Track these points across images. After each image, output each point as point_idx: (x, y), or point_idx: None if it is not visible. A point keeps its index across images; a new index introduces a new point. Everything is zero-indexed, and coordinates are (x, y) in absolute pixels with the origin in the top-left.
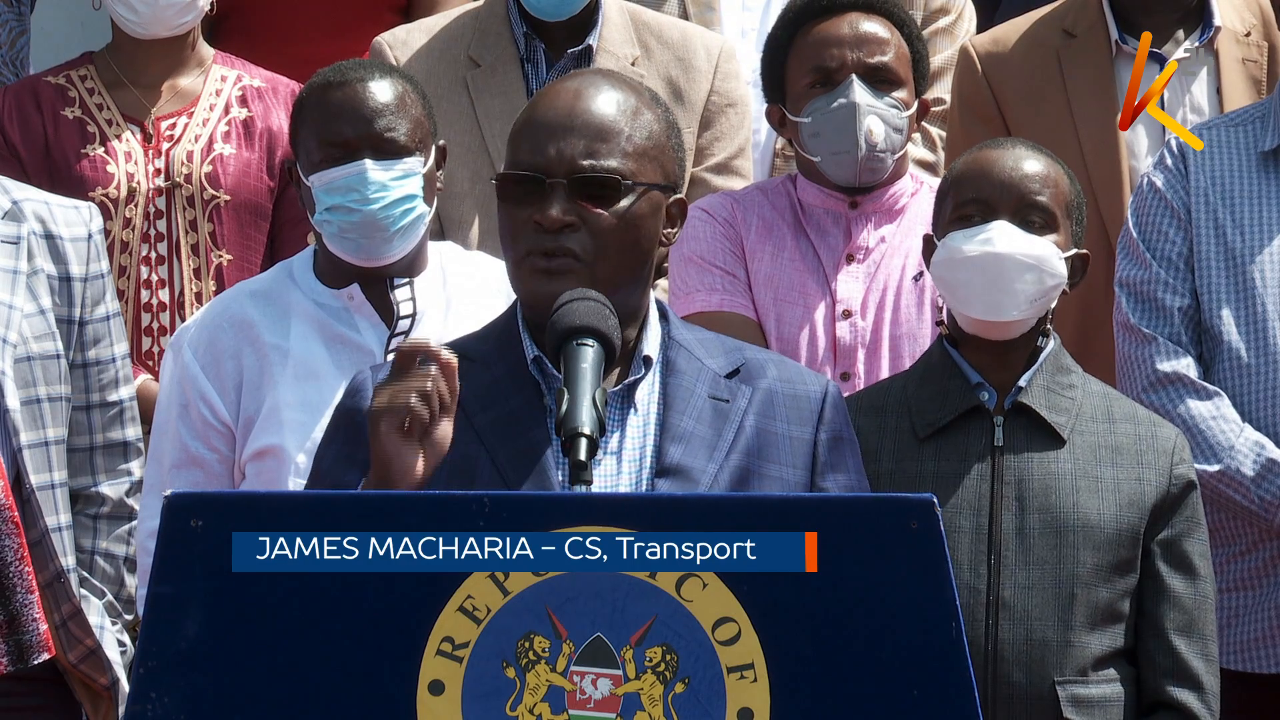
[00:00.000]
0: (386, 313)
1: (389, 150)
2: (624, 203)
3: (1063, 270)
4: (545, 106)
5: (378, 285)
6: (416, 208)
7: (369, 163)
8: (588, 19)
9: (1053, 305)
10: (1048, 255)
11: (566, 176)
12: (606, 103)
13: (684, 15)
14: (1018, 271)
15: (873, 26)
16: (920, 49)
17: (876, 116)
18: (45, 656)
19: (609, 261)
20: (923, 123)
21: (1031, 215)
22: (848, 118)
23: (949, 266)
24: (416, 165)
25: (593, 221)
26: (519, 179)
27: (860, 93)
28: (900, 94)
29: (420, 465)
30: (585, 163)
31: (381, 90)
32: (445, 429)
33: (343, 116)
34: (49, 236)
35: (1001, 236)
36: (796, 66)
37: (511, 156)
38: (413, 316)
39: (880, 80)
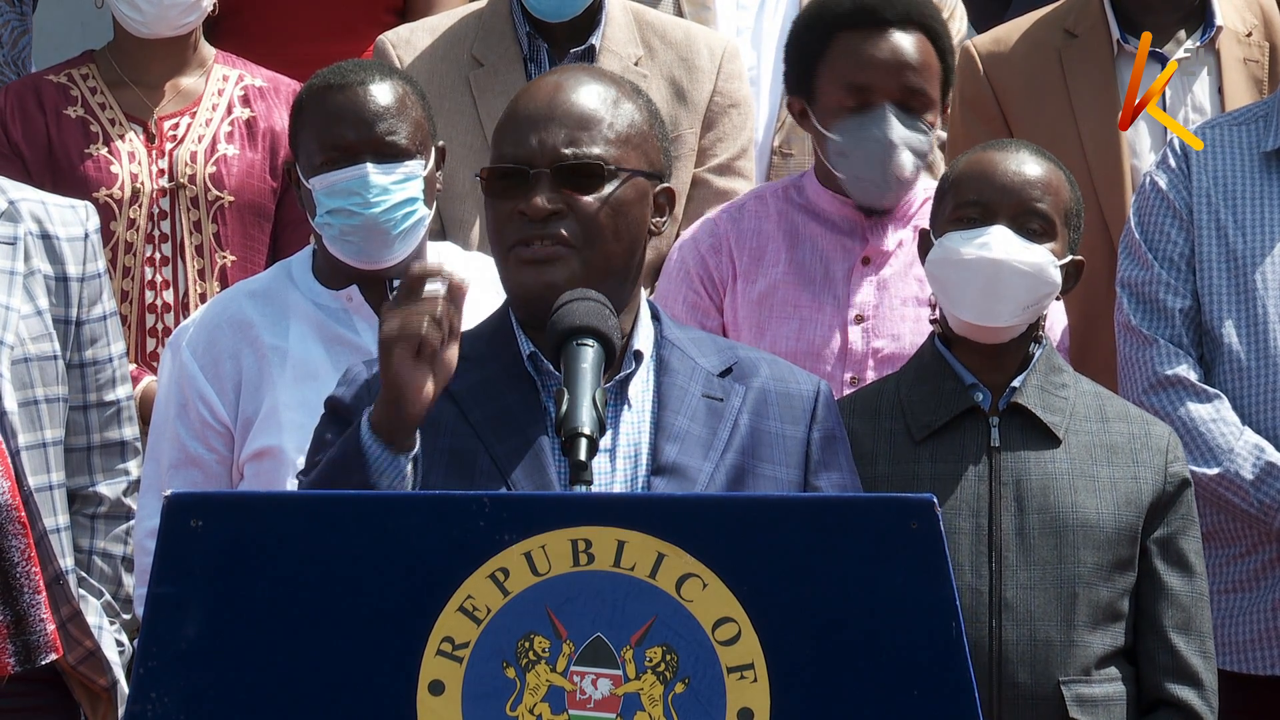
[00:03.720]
0: None
1: (390, 154)
2: (609, 188)
3: (1057, 278)
4: (525, 101)
5: (377, 286)
6: (418, 210)
7: (370, 166)
8: (591, 19)
9: (1045, 311)
10: (1043, 263)
11: (550, 166)
12: (586, 94)
13: (678, 14)
14: (1012, 278)
15: (912, 48)
16: (950, 62)
17: (908, 150)
18: (52, 657)
19: (599, 248)
20: None
21: (1030, 222)
22: (882, 154)
23: (944, 267)
24: (417, 168)
25: (579, 208)
26: (502, 173)
27: (896, 128)
28: (930, 115)
29: (430, 387)
30: (568, 151)
31: (382, 93)
32: (452, 352)
33: (344, 120)
34: (45, 236)
35: (999, 242)
36: (830, 78)
37: (495, 152)
38: None
39: (914, 106)
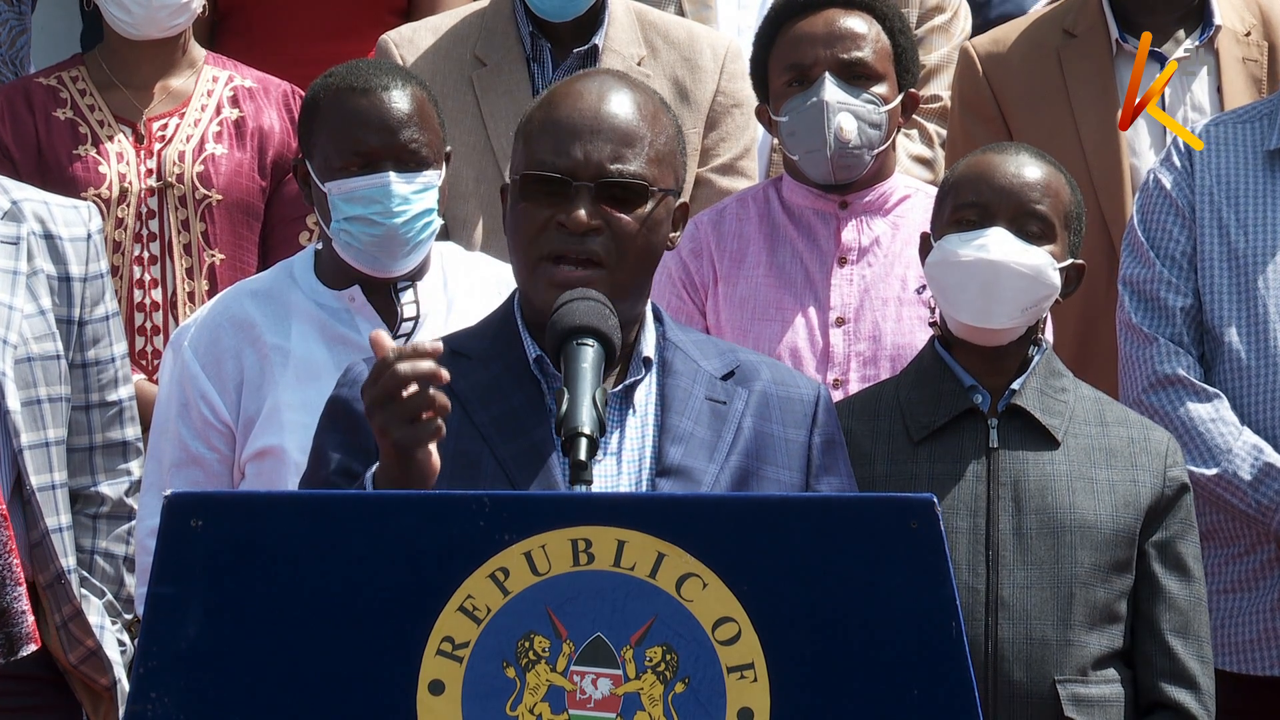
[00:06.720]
0: (388, 314)
1: (412, 163)
2: (646, 208)
3: (1056, 281)
4: (567, 107)
5: (379, 287)
6: (433, 221)
7: (393, 175)
8: (594, 18)
9: (1044, 314)
10: (1042, 266)
11: (593, 180)
12: (629, 106)
13: (680, 13)
14: (1011, 280)
15: (849, 22)
16: (903, 42)
17: (849, 113)
18: (33, 648)
19: (627, 266)
20: (920, 119)
21: (1029, 224)
22: (818, 115)
23: (942, 269)
24: (435, 178)
25: (616, 226)
26: (544, 179)
27: (831, 90)
28: (879, 89)
29: (435, 458)
30: (613, 167)
31: (405, 100)
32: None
33: (367, 125)
34: (48, 237)
35: (997, 244)
36: (776, 66)
37: (531, 155)
38: (416, 319)
39: (855, 76)
